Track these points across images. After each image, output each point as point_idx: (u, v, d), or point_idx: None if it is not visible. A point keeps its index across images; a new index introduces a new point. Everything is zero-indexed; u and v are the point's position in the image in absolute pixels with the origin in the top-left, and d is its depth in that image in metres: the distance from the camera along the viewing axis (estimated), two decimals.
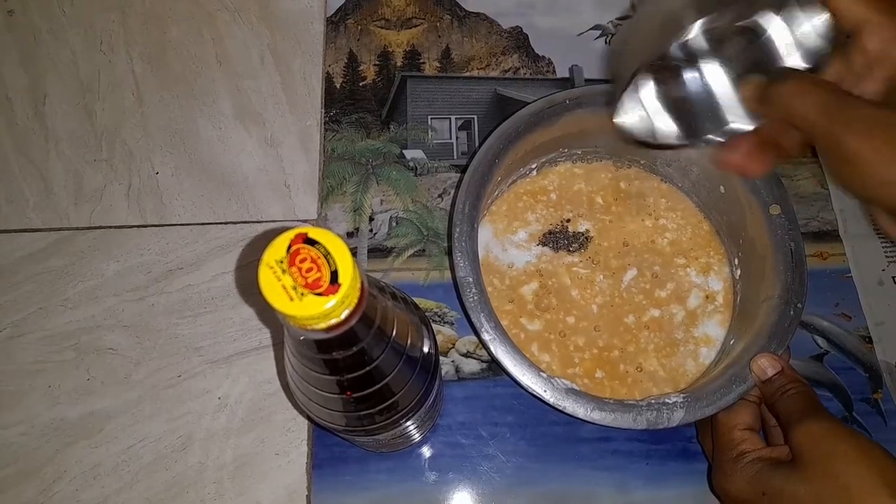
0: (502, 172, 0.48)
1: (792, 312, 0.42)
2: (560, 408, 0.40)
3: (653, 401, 0.40)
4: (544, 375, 0.41)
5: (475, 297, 0.42)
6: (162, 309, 0.50)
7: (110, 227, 0.52)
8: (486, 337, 0.41)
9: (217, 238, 0.52)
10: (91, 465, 0.45)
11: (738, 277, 0.49)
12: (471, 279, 0.42)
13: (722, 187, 0.48)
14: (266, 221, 0.53)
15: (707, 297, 0.49)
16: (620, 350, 0.47)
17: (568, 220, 0.51)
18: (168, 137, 0.55)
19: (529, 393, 0.40)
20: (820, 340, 0.50)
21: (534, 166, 0.52)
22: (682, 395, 0.41)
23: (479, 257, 0.49)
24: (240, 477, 0.45)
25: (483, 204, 0.46)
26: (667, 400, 0.40)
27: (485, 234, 0.50)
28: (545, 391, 0.40)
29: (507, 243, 0.50)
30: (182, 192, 0.53)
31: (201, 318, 0.50)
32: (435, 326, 0.49)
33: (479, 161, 0.46)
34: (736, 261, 0.49)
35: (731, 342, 0.46)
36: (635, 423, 0.40)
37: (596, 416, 0.40)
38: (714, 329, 0.48)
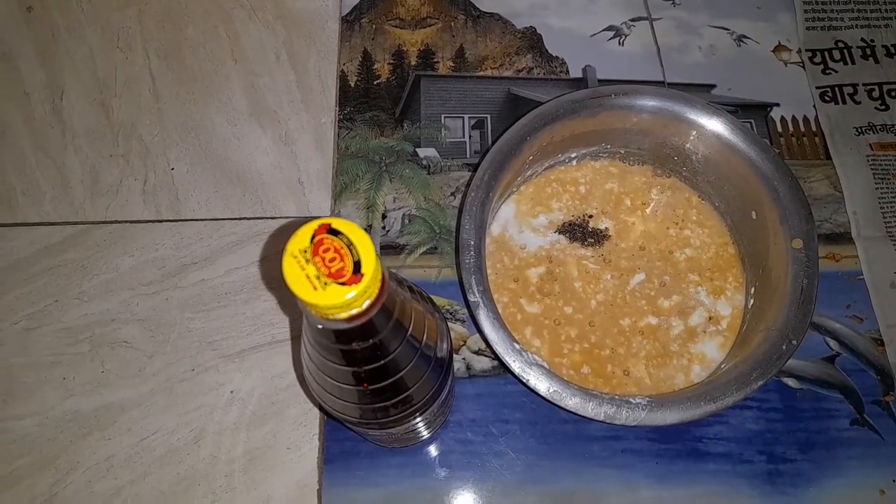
0: (535, 151, 0.48)
1: (784, 347, 0.42)
2: (524, 380, 0.41)
3: (616, 396, 0.41)
4: (517, 347, 0.41)
5: (471, 260, 0.43)
6: (176, 303, 0.50)
7: (126, 221, 0.53)
8: (471, 299, 0.42)
9: (231, 234, 0.52)
10: (105, 456, 0.46)
11: (750, 306, 0.48)
12: (472, 242, 0.43)
13: (754, 213, 0.48)
14: (280, 218, 0.53)
15: (710, 319, 0.49)
16: (611, 350, 0.47)
17: (591, 216, 0.51)
18: (184, 134, 0.56)
19: (499, 359, 0.41)
20: (831, 342, 0.50)
21: (574, 155, 0.52)
22: (647, 398, 0.41)
23: (495, 234, 0.49)
24: (251, 470, 0.46)
25: (504, 176, 0.46)
26: (631, 399, 0.41)
27: (507, 211, 0.51)
28: (514, 361, 0.41)
29: (524, 225, 0.51)
30: (197, 188, 0.54)
31: (215, 312, 0.50)
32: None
33: (510, 135, 0.46)
34: (752, 290, 0.48)
35: (723, 366, 0.46)
36: (592, 413, 0.40)
37: (556, 396, 0.40)
38: (712, 350, 0.48)
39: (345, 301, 0.21)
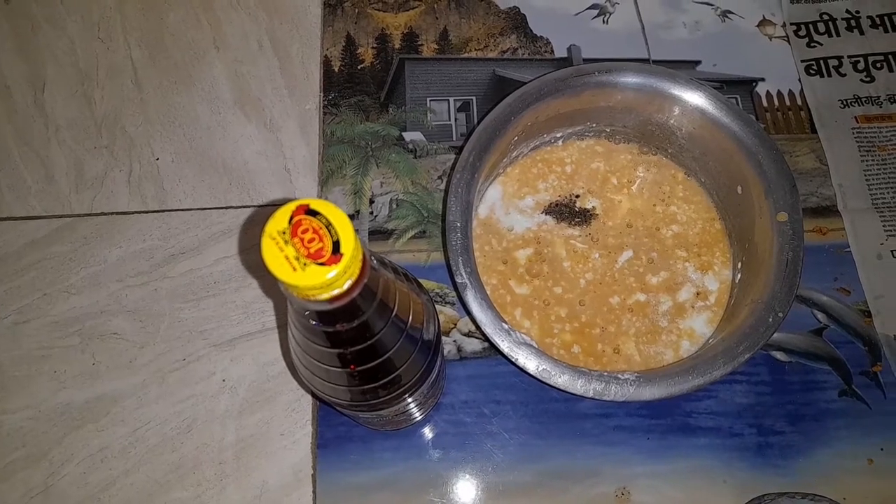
0: (519, 132, 0.48)
1: (771, 319, 0.42)
2: (512, 359, 0.41)
3: (605, 373, 0.41)
4: (506, 327, 0.41)
5: (458, 241, 0.43)
6: (165, 294, 0.50)
7: (112, 213, 0.52)
8: (458, 280, 0.42)
9: (218, 223, 0.52)
10: (98, 447, 0.46)
11: (737, 281, 0.48)
12: (458, 224, 0.43)
13: (739, 188, 0.48)
14: (266, 206, 0.53)
15: (698, 294, 0.49)
16: (602, 328, 0.47)
17: (577, 196, 0.51)
18: (167, 123, 0.55)
19: (487, 339, 0.41)
20: (819, 315, 0.50)
21: (559, 135, 0.52)
22: (635, 374, 0.41)
23: (482, 216, 0.50)
24: (245, 457, 0.46)
25: (489, 157, 0.46)
26: (619, 375, 0.41)
27: (494, 194, 0.51)
28: (502, 341, 0.41)
29: (511, 207, 0.51)
30: (182, 178, 0.54)
31: (204, 302, 0.50)
32: (436, 307, 0.49)
33: (494, 115, 0.46)
34: (739, 265, 0.49)
35: (711, 341, 0.46)
36: (582, 390, 0.40)
37: (545, 374, 0.40)
38: (701, 325, 0.48)
39: (325, 281, 0.21)
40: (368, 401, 0.33)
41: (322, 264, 0.21)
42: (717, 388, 0.48)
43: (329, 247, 0.22)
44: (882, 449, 0.47)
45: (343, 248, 0.22)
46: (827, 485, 0.46)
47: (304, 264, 0.21)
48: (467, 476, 0.46)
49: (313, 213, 0.22)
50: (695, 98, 0.47)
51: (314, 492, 0.45)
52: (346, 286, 0.23)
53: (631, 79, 0.47)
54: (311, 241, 0.22)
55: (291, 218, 0.22)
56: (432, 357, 0.34)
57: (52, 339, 0.49)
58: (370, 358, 0.29)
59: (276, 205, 0.53)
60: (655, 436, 0.47)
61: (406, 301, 0.30)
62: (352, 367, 0.29)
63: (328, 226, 0.22)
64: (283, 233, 0.22)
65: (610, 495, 0.45)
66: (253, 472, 0.46)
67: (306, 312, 0.25)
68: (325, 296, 0.22)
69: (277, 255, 0.21)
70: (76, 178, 0.53)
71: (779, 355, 0.49)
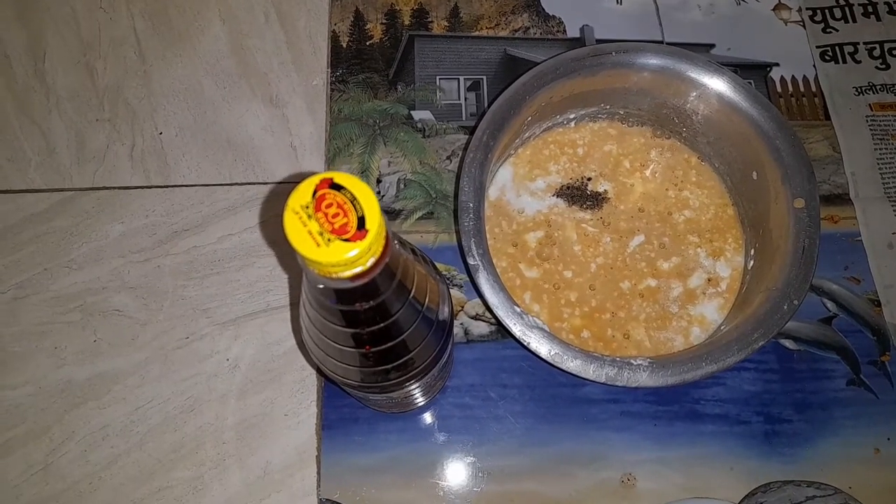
0: (533, 111, 0.47)
1: (786, 307, 0.42)
2: (524, 342, 0.40)
3: (618, 358, 0.41)
4: (518, 310, 0.41)
5: (471, 223, 0.42)
6: (168, 270, 0.49)
7: (114, 187, 0.51)
8: (471, 262, 0.41)
9: (223, 199, 0.51)
10: (100, 425, 0.45)
11: (750, 267, 0.48)
12: (471, 205, 0.42)
13: (755, 173, 0.47)
14: (272, 183, 0.52)
15: (709, 281, 0.48)
16: (612, 314, 0.47)
17: (589, 179, 0.50)
18: (171, 97, 0.54)
19: (499, 322, 0.41)
20: (829, 304, 0.50)
21: (572, 117, 0.51)
22: (648, 359, 0.41)
23: (493, 198, 0.49)
24: (249, 437, 0.45)
25: (502, 137, 0.45)
26: (632, 361, 0.40)
27: (505, 175, 0.50)
28: (514, 324, 0.41)
29: (522, 189, 0.50)
30: (187, 153, 0.52)
31: (208, 279, 0.49)
32: None
33: (509, 94, 0.45)
34: (752, 251, 0.48)
35: (723, 328, 0.46)
36: (594, 375, 0.40)
37: (557, 359, 0.40)
38: (712, 312, 0.48)
39: (348, 258, 0.21)
40: (380, 382, 0.32)
41: (346, 240, 0.21)
42: (726, 375, 0.48)
43: (354, 222, 0.21)
44: (889, 438, 0.47)
45: (368, 224, 0.21)
46: (833, 474, 0.46)
47: (328, 240, 0.21)
48: (472, 459, 0.45)
49: (338, 187, 0.21)
50: (713, 82, 0.46)
51: (318, 473, 0.45)
52: (369, 264, 0.22)
53: (649, 60, 0.46)
54: (335, 216, 0.21)
55: (315, 192, 0.21)
56: (445, 340, 0.34)
57: (52, 314, 0.48)
58: (386, 339, 0.28)
59: (280, 182, 0.52)
60: (662, 422, 0.47)
61: (423, 283, 0.29)
62: (367, 347, 0.28)
63: (353, 200, 0.21)
64: (307, 207, 0.21)
65: (615, 480, 0.45)
66: (256, 452, 0.45)
67: (322, 289, 0.24)
68: (348, 273, 0.22)
69: (300, 229, 0.21)
70: (77, 150, 0.52)
71: (788, 343, 0.49)
